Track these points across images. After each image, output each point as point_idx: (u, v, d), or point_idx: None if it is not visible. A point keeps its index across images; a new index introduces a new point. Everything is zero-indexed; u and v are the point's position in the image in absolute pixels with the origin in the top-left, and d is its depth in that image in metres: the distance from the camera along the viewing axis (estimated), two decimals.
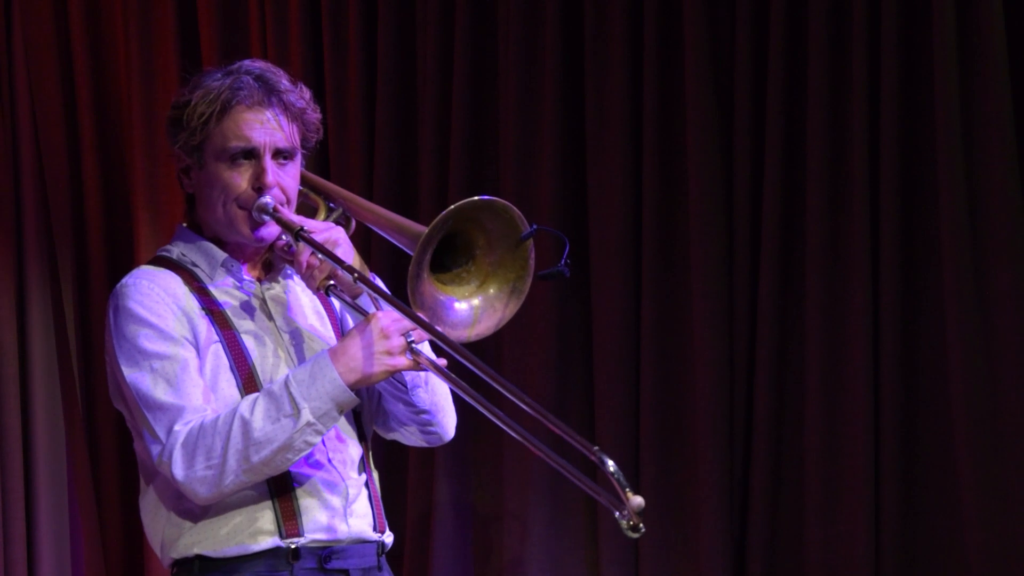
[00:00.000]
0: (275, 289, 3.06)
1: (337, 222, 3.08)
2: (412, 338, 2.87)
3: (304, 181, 3.09)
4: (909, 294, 4.02)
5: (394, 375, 2.92)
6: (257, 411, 2.85)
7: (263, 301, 3.03)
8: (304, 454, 2.88)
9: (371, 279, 2.97)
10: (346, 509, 2.97)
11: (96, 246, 4.80)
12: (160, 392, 2.89)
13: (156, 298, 2.94)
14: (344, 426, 3.00)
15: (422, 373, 2.96)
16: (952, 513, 3.95)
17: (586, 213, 4.32)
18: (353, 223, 3.12)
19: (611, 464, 2.58)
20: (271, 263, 3.08)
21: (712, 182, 4.17)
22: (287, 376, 2.87)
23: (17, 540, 4.64)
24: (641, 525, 2.57)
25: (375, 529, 3.02)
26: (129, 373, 2.92)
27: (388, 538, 3.06)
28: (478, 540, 4.46)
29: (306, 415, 2.84)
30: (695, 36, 4.16)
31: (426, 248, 2.81)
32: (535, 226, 2.88)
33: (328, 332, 3.06)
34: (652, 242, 4.23)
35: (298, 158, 3.02)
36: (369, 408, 3.09)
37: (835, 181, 4.06)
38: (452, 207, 2.82)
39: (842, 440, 4.04)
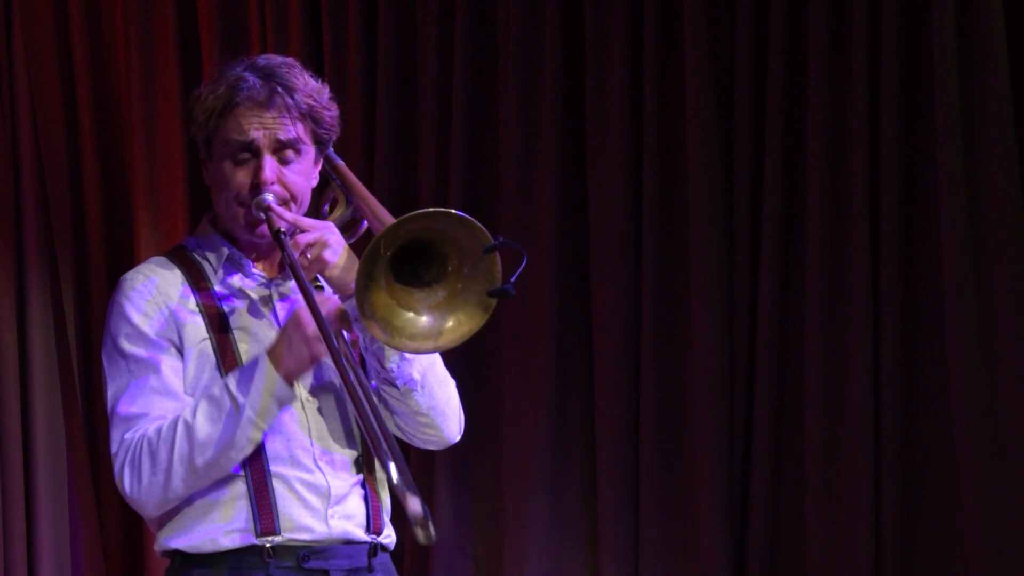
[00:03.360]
0: (285, 286, 3.04)
1: (354, 219, 3.08)
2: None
3: (339, 174, 3.10)
4: (909, 294, 4.02)
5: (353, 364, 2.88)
6: (199, 414, 2.86)
7: (268, 298, 3.03)
8: (248, 452, 2.88)
9: (319, 279, 2.97)
10: (328, 510, 2.96)
11: (96, 246, 4.80)
12: (124, 396, 2.91)
13: (146, 294, 2.95)
14: (336, 427, 2.99)
15: (417, 376, 2.97)
16: (952, 513, 3.95)
17: (586, 213, 4.32)
18: (364, 224, 3.11)
19: (393, 472, 2.54)
20: None
21: (712, 182, 4.17)
22: (227, 376, 2.89)
23: (17, 540, 4.64)
24: (430, 531, 2.51)
25: (368, 530, 2.99)
26: (105, 370, 2.96)
27: (386, 539, 3.03)
28: (478, 540, 4.46)
29: (247, 411, 2.85)
30: (695, 36, 4.16)
31: (370, 262, 2.78)
32: (500, 239, 2.84)
33: None
34: (652, 242, 4.23)
35: (308, 155, 2.99)
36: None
37: (835, 181, 4.06)
38: (388, 226, 2.79)
39: (842, 440, 4.04)
